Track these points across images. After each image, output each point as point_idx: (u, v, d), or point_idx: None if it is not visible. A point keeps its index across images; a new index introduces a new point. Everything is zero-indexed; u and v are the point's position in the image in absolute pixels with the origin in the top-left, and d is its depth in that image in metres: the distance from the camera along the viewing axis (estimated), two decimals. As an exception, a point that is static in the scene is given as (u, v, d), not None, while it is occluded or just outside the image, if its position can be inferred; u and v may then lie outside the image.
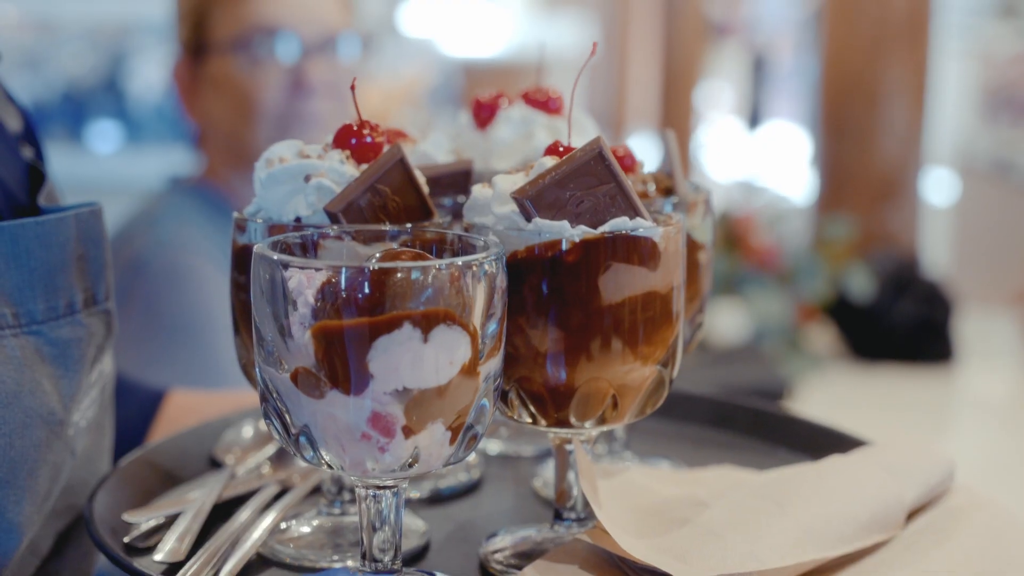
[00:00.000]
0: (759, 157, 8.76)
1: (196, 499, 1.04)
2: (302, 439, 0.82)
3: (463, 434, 0.83)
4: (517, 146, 1.17)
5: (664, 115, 7.26)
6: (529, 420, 0.93)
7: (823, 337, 3.19)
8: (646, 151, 1.15)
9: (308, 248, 0.88)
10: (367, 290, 0.77)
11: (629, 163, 1.08)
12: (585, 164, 0.88)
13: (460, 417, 0.82)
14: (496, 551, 0.96)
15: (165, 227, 2.08)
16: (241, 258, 0.96)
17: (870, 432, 1.16)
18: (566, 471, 0.97)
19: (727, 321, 3.16)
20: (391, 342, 0.78)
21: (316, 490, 1.09)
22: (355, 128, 0.95)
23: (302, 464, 1.13)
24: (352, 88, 0.92)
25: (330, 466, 0.82)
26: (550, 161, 0.89)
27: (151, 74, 6.74)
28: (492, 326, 0.82)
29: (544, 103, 1.19)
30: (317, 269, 0.78)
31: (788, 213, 4.14)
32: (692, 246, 1.07)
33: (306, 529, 1.01)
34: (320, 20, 2.15)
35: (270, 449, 1.17)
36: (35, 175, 1.12)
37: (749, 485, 0.99)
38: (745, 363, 2.84)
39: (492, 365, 0.83)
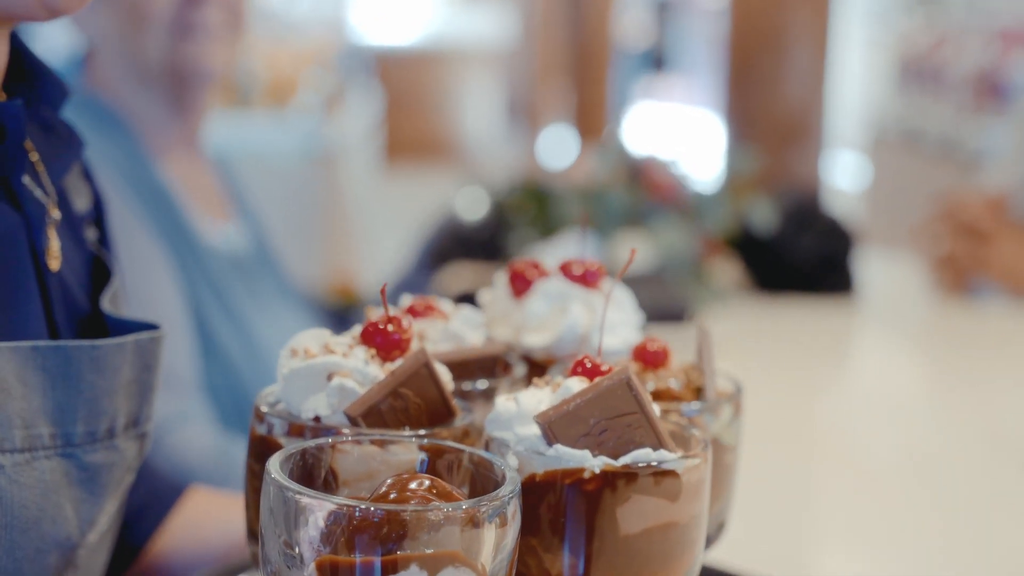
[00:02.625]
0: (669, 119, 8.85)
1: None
2: (301, 667, 0.80)
3: (467, 673, 0.80)
4: (551, 320, 1.16)
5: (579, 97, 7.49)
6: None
7: (728, 270, 3.20)
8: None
9: (325, 456, 0.86)
10: (377, 528, 0.76)
11: (662, 358, 1.07)
12: (611, 392, 0.86)
13: (465, 656, 0.80)
14: None
15: None
16: (258, 447, 0.95)
17: (774, 361, 1.14)
18: None
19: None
20: (397, 583, 0.76)
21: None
22: (381, 326, 0.94)
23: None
24: (383, 293, 0.91)
25: None
26: (576, 384, 0.88)
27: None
28: (503, 563, 0.80)
29: (582, 277, 1.17)
30: (328, 503, 0.76)
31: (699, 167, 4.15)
32: (719, 449, 1.05)
33: None
34: None
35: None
36: (99, 268, 1.09)
37: None
38: (648, 288, 2.85)
39: (501, 601, 0.81)
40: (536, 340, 1.15)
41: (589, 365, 0.91)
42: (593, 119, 8.11)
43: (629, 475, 0.85)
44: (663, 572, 0.88)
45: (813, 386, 2.41)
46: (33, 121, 1.04)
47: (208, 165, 2.10)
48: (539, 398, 0.89)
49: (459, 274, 3.09)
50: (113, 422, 0.99)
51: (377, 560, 0.76)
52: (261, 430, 0.94)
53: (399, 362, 0.94)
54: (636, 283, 2.97)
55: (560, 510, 0.86)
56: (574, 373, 0.90)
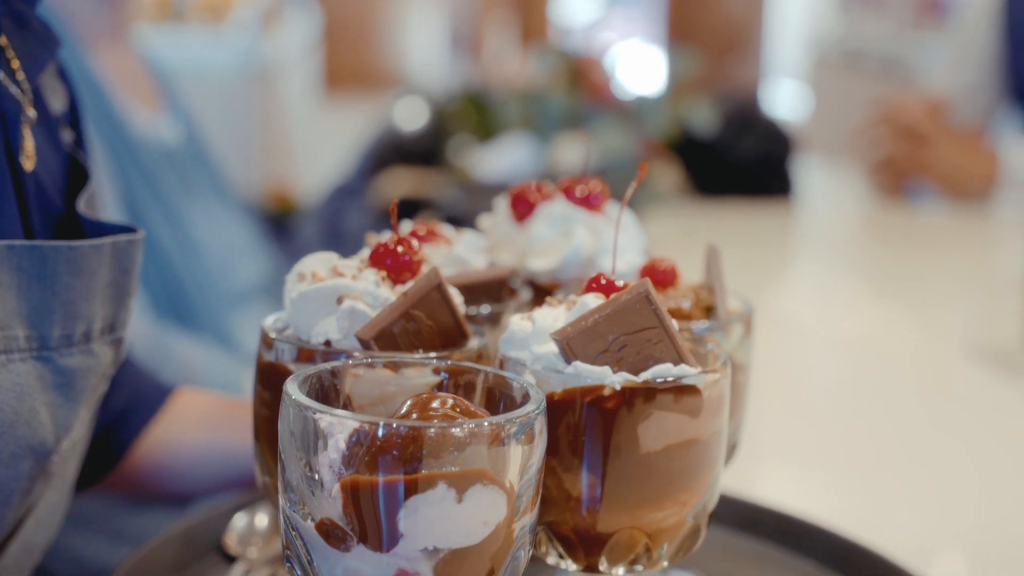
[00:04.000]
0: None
1: (208, 605, 1.01)
2: (325, 591, 0.79)
3: (494, 592, 0.79)
4: (555, 244, 1.14)
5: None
6: (556, 560, 0.90)
7: (668, 173, 3.24)
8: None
9: (339, 380, 0.84)
10: (402, 447, 0.74)
11: (671, 278, 1.05)
12: (630, 306, 0.85)
13: (492, 573, 0.79)
14: None
15: None
16: (266, 374, 0.93)
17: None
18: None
19: (571, 156, 3.17)
20: (423, 502, 0.75)
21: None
22: (391, 247, 0.92)
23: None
24: (393, 210, 0.89)
25: (352, 617, 0.79)
26: (593, 300, 0.86)
27: None
28: (530, 482, 0.79)
29: (585, 200, 1.15)
30: (351, 421, 0.75)
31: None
32: (731, 368, 1.03)
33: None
34: None
35: (285, 543, 1.14)
36: (75, 169, 1.05)
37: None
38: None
39: (527, 519, 0.80)
40: (541, 264, 1.13)
41: (604, 282, 0.89)
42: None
43: (650, 391, 0.84)
44: (685, 490, 0.87)
45: (752, 286, 2.45)
46: (7, 16, 0.99)
47: (138, 58, 2.05)
48: (555, 316, 0.87)
49: (397, 179, 3.08)
50: (90, 326, 0.96)
51: (403, 479, 0.74)
52: (269, 357, 0.92)
53: (410, 284, 0.92)
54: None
55: (579, 429, 0.85)
56: (588, 290, 0.89)
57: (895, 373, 1.93)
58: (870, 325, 2.19)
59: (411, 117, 3.39)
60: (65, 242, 0.92)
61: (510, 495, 0.77)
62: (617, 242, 1.14)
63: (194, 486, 1.31)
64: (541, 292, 1.12)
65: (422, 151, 3.25)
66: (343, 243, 3.14)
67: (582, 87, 3.28)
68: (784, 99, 6.02)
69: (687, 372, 0.85)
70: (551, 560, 0.90)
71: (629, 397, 0.84)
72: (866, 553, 1.15)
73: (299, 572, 0.80)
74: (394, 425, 0.74)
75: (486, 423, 0.75)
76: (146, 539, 1.63)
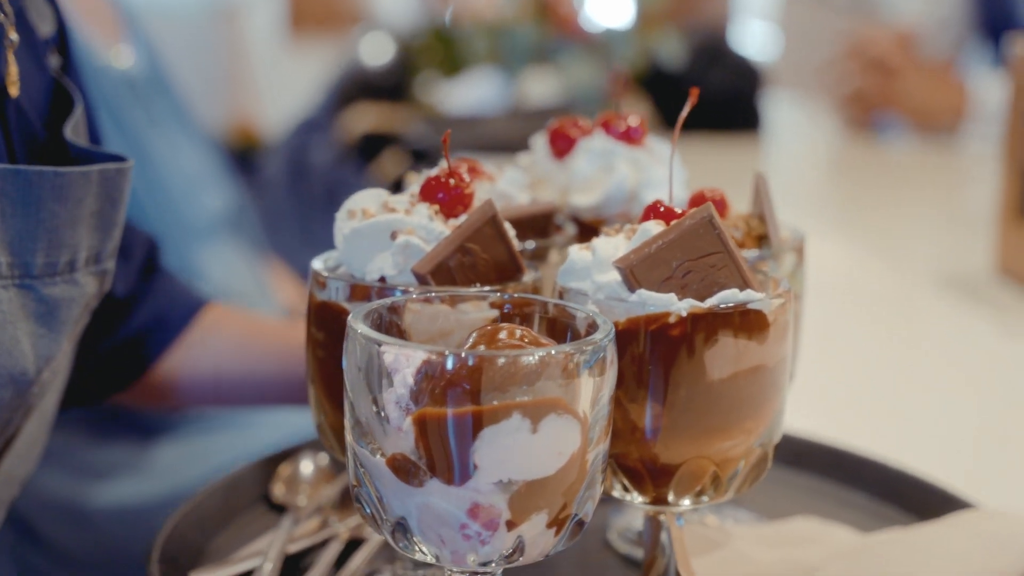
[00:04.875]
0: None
1: (262, 554, 1.00)
2: (397, 527, 0.77)
3: (569, 523, 0.78)
4: (597, 179, 1.12)
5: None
6: (622, 493, 0.88)
7: (637, 107, 3.23)
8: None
9: (398, 316, 0.83)
10: (474, 377, 0.72)
11: (721, 208, 1.04)
12: (694, 231, 0.83)
13: (566, 506, 0.77)
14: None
15: None
16: (320, 314, 0.91)
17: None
18: (657, 542, 0.93)
19: (540, 89, 3.16)
20: (498, 433, 0.73)
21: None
22: (443, 180, 0.90)
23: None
24: (444, 141, 0.87)
25: (424, 553, 0.78)
26: (654, 227, 0.84)
27: None
28: (602, 411, 0.77)
29: (625, 134, 1.13)
30: (419, 353, 0.73)
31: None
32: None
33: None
34: None
35: (333, 489, 1.12)
36: (61, 96, 1.02)
37: (850, 557, 0.95)
38: (555, 119, 2.86)
39: (600, 450, 0.78)
40: (584, 200, 1.11)
41: (663, 209, 0.87)
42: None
43: (716, 317, 0.82)
44: (751, 419, 0.86)
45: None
46: None
47: None
48: (615, 245, 0.85)
49: (362, 114, 3.06)
50: (74, 255, 0.94)
51: (478, 411, 0.72)
52: (322, 296, 0.90)
53: (463, 218, 0.90)
54: (542, 115, 3.00)
55: (644, 359, 0.83)
56: (647, 218, 0.87)
57: (864, 307, 1.92)
58: (839, 259, 2.17)
59: (377, 52, 3.36)
60: (52, 168, 0.89)
61: (584, 424, 0.75)
62: (656, 175, 1.13)
63: (215, 403, 1.31)
64: (585, 228, 1.10)
65: (388, 86, 3.22)
66: (308, 178, 3.12)
67: (550, 20, 3.25)
68: (753, 37, 5.99)
69: (753, 297, 0.83)
70: (616, 493, 0.89)
71: (695, 324, 0.82)
72: (921, 484, 1.14)
73: (368, 510, 0.79)
74: (462, 355, 0.72)
75: (559, 351, 0.73)
76: (106, 473, 1.62)
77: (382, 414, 0.75)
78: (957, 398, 1.55)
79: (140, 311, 1.20)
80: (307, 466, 1.16)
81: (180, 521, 1.04)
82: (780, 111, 3.51)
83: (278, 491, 1.13)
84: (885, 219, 2.50)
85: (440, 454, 0.74)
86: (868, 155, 3.11)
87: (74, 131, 0.98)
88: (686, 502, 0.88)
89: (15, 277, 0.89)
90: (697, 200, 1.03)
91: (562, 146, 1.14)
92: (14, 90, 0.94)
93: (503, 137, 2.69)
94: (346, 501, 1.11)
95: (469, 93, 3.20)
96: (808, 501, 1.16)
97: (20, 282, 0.89)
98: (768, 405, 0.87)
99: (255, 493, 1.14)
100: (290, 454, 1.18)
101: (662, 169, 1.13)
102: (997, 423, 1.48)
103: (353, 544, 1.04)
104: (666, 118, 3.28)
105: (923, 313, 1.87)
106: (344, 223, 0.90)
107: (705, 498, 0.88)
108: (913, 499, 1.13)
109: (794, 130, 3.48)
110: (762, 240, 1.03)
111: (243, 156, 3.61)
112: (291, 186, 3.19)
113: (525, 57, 3.12)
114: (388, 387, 0.75)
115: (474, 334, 0.77)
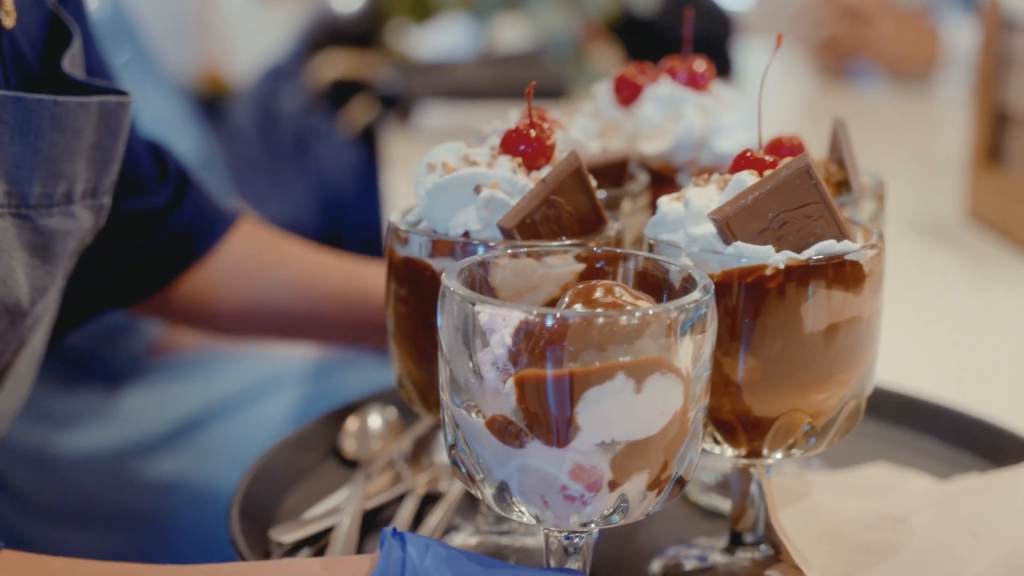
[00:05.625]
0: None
1: (340, 511, 0.99)
2: (497, 489, 0.76)
3: (670, 482, 0.77)
4: (665, 126, 1.10)
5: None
6: (712, 446, 0.87)
7: (608, 54, 3.20)
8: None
9: (487, 271, 0.81)
10: (576, 338, 0.71)
11: (798, 153, 1.01)
12: (790, 182, 0.81)
13: (667, 465, 0.76)
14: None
15: None
16: (401, 270, 0.89)
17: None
18: (747, 494, 0.92)
19: (511, 36, 3.14)
20: (602, 393, 0.72)
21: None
22: (524, 132, 0.88)
23: (444, 461, 1.08)
24: (529, 93, 0.84)
25: (524, 514, 0.77)
26: (748, 178, 0.82)
27: None
28: (703, 368, 0.76)
29: (691, 80, 1.11)
30: (516, 313, 0.71)
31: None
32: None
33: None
34: None
35: (404, 442, 1.11)
36: (57, 28, 0.99)
37: (934, 507, 0.94)
38: (526, 65, 2.85)
39: (701, 406, 0.77)
40: (652, 147, 1.09)
41: (753, 158, 0.85)
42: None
43: (814, 269, 0.81)
44: (847, 371, 0.84)
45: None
46: None
47: None
48: (708, 196, 0.83)
49: (332, 61, 3.03)
50: (71, 187, 0.92)
51: (581, 371, 0.71)
52: (403, 252, 0.89)
53: (546, 170, 0.88)
54: (512, 61, 2.96)
55: (739, 312, 0.82)
56: (738, 168, 0.85)
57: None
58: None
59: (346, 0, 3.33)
60: (51, 97, 0.87)
61: (686, 383, 0.74)
62: (725, 121, 1.11)
63: (234, 331, 1.33)
64: (655, 176, 1.08)
65: (358, 33, 3.18)
66: (277, 125, 3.09)
67: None
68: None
69: (851, 248, 0.82)
70: (706, 446, 0.87)
71: (792, 276, 0.80)
72: (995, 429, 1.13)
73: (465, 471, 0.78)
74: (560, 315, 0.71)
75: (661, 309, 0.72)
76: (72, 420, 1.62)
77: (480, 375, 0.73)
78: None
79: (169, 222, 1.21)
80: (375, 420, 1.15)
81: (253, 479, 1.03)
82: (752, 57, 3.46)
83: (348, 446, 1.12)
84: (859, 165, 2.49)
85: (543, 416, 0.72)
86: (841, 101, 3.08)
87: (72, 64, 0.96)
88: (778, 455, 0.86)
89: (11, 206, 0.88)
90: (774, 146, 1.01)
91: (628, 93, 1.12)
92: (8, 21, 0.92)
93: (474, 84, 2.66)
94: (418, 455, 1.10)
95: (439, 40, 3.17)
96: (881, 448, 1.15)
97: (16, 211, 0.88)
98: (862, 357, 0.85)
99: (325, 448, 1.13)
100: (356, 407, 1.17)
101: (728, 115, 1.11)
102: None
103: (429, 498, 1.03)
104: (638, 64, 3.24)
105: (895, 256, 1.87)
106: (425, 177, 0.88)
107: (797, 451, 0.87)
108: (987, 445, 1.12)
109: (767, 76, 3.46)
110: (841, 186, 1.01)
111: (212, 103, 3.56)
112: (260, 134, 3.16)
113: (496, 3, 3.07)
114: (483, 347, 0.73)
115: (569, 293, 0.76)
